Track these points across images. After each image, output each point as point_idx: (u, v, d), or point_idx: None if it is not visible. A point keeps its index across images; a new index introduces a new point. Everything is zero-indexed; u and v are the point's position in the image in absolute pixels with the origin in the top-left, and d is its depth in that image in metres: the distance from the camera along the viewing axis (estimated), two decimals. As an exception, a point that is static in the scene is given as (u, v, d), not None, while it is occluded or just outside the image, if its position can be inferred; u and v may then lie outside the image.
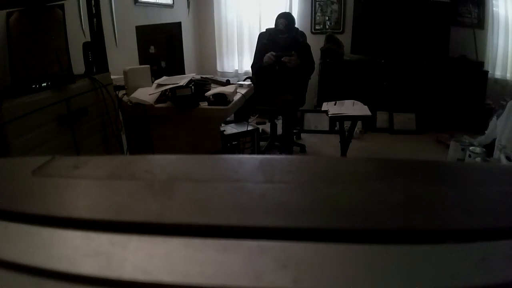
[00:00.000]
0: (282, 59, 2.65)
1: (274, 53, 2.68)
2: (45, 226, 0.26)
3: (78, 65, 1.60)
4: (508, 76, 3.42)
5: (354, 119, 2.44)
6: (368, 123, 3.46)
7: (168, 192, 0.30)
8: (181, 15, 3.70)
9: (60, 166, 0.39)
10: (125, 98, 1.81)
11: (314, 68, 2.89)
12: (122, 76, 1.87)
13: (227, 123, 2.53)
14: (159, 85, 1.77)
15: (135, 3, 2.78)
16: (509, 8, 3.34)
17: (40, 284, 0.21)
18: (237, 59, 4.21)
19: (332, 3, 3.91)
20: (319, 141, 3.33)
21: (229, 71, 4.24)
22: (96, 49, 1.65)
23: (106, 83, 1.65)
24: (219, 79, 2.28)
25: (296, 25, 2.89)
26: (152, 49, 2.10)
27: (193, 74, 2.01)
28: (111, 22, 2.45)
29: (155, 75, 1.99)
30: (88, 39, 1.70)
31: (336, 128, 3.13)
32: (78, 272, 0.21)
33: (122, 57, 2.48)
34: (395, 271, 0.21)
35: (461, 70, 3.46)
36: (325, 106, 2.56)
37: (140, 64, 2.12)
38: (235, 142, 2.37)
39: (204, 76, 2.30)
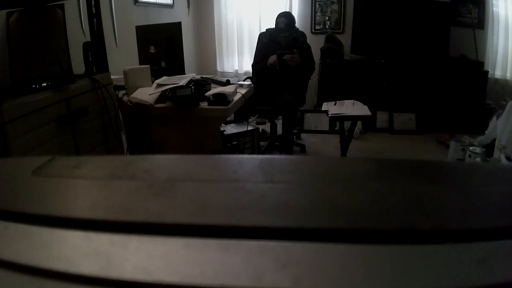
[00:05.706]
0: (284, 57, 2.58)
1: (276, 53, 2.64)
2: (45, 226, 0.26)
3: (78, 65, 1.60)
4: (508, 76, 3.42)
5: (354, 119, 2.44)
6: (368, 123, 3.46)
7: (168, 192, 0.30)
8: (181, 15, 3.70)
9: (60, 166, 0.39)
10: (125, 98, 1.81)
11: (314, 68, 2.87)
12: (122, 76, 1.87)
13: (227, 123, 2.53)
14: (159, 85, 1.77)
15: (135, 3, 2.78)
16: (509, 8, 3.34)
17: (40, 284, 0.21)
18: (237, 59, 4.21)
19: (332, 3, 3.91)
20: (319, 141, 3.33)
21: (229, 71, 4.24)
22: (96, 49, 1.65)
23: (106, 83, 1.65)
24: (219, 79, 2.28)
25: (296, 25, 2.88)
26: (152, 49, 2.10)
27: (193, 74, 2.01)
28: (111, 22, 2.45)
29: (155, 75, 1.99)
30: (88, 39, 1.70)
31: (336, 128, 3.13)
32: (78, 272, 0.21)
33: (122, 57, 2.48)
34: (395, 271, 0.21)
35: (461, 70, 3.46)
36: (325, 106, 2.56)
37: (140, 64, 2.12)
38: (235, 142, 2.38)
39: (204, 76, 2.30)
